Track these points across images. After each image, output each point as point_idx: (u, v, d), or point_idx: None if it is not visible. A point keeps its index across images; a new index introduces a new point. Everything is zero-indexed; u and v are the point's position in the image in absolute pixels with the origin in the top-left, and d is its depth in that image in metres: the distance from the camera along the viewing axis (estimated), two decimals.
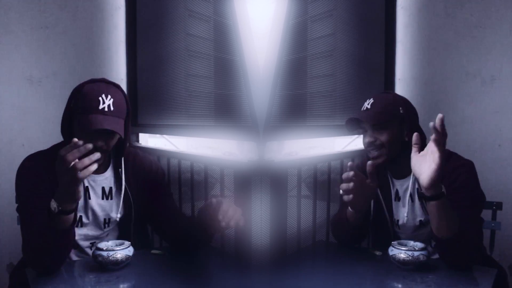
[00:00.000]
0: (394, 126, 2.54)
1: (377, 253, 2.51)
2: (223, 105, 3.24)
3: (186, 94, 3.52)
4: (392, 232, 2.64)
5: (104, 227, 2.53)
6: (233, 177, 2.95)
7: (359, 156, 3.48)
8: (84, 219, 2.48)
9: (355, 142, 3.91)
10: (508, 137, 3.47)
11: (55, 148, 2.44)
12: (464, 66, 3.65)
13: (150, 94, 3.85)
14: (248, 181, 2.76)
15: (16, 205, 2.38)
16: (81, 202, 2.44)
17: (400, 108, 2.56)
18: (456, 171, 2.43)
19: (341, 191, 2.36)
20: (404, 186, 2.62)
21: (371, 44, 3.88)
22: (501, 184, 3.32)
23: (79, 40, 3.76)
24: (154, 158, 2.80)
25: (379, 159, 2.55)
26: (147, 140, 4.04)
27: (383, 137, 2.53)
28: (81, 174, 1.95)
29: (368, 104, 2.58)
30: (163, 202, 2.63)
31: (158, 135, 3.79)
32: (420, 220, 2.56)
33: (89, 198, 2.48)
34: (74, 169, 1.94)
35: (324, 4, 3.37)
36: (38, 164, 2.38)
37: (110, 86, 2.37)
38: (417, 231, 2.57)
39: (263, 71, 2.94)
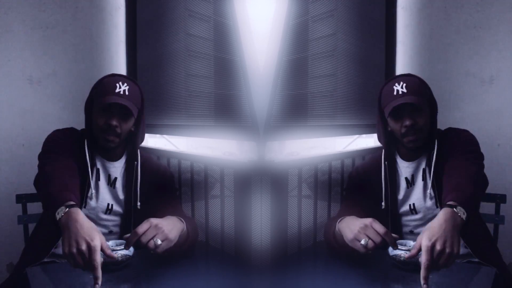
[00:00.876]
0: (427, 108, 2.55)
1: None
2: (223, 105, 3.24)
3: (186, 94, 3.52)
4: (390, 224, 2.63)
5: (106, 213, 2.63)
6: (233, 177, 2.95)
7: (360, 156, 3.48)
8: (89, 200, 2.58)
9: (356, 142, 3.90)
10: (507, 136, 3.47)
11: (83, 130, 2.68)
12: (463, 66, 3.66)
13: (150, 94, 3.84)
14: (248, 181, 2.76)
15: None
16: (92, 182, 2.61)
17: (427, 89, 2.59)
18: (457, 136, 2.58)
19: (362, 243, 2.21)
20: (416, 168, 2.65)
21: (371, 44, 3.87)
22: (500, 184, 3.32)
23: (79, 40, 3.76)
24: (163, 162, 2.88)
25: (417, 143, 2.56)
26: (147, 140, 4.04)
27: (421, 120, 2.52)
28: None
29: (400, 87, 2.52)
30: (168, 204, 2.65)
31: (158, 135, 3.78)
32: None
33: (99, 180, 2.64)
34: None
35: (325, 4, 3.37)
36: (66, 135, 2.60)
37: (128, 79, 2.61)
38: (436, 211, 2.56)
39: (263, 71, 2.93)
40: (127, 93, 2.53)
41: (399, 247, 2.24)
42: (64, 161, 2.42)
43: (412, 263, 2.20)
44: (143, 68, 3.94)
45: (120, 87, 2.52)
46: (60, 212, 2.07)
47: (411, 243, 2.30)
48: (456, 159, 2.43)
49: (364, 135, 3.81)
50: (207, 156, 3.24)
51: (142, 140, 2.73)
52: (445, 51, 3.75)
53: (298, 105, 3.23)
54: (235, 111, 3.08)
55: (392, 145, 2.71)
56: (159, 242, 2.20)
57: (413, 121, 2.50)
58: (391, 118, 2.57)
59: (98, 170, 2.64)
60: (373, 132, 3.87)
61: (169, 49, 3.61)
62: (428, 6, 3.81)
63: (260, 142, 2.78)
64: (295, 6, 3.03)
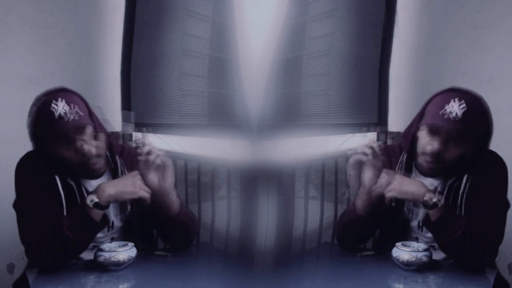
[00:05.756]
0: (469, 145, 2.29)
1: (369, 253, 2.52)
2: (217, 104, 3.24)
3: (179, 93, 3.51)
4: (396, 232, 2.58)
5: (108, 231, 2.49)
6: (239, 179, 2.96)
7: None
8: None
9: (349, 142, 3.90)
10: (507, 136, 3.47)
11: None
12: (462, 66, 3.65)
13: (144, 93, 3.83)
14: (255, 182, 2.76)
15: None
16: None
17: (485, 127, 2.34)
18: (488, 171, 2.38)
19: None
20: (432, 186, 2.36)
21: (369, 43, 3.87)
22: None
23: (78, 40, 3.69)
24: None
25: (431, 171, 2.37)
26: (152, 139, 4.03)
27: (451, 154, 2.27)
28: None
29: (459, 110, 2.20)
30: None
31: (152, 134, 3.77)
32: None
33: None
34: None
35: (325, 4, 3.37)
36: (38, 162, 2.38)
37: (57, 93, 2.38)
38: None
39: (258, 70, 2.93)
40: (68, 108, 2.28)
41: (403, 248, 2.25)
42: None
43: (415, 264, 2.22)
44: (137, 68, 3.92)
45: (56, 110, 2.27)
46: (90, 199, 2.21)
47: (414, 244, 2.32)
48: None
49: (358, 134, 3.81)
50: (214, 158, 3.23)
51: (108, 134, 2.49)
52: (444, 51, 3.74)
53: (292, 104, 3.24)
54: (229, 110, 3.08)
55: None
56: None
57: (443, 149, 2.26)
58: (426, 130, 2.30)
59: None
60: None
61: (164, 49, 3.59)
62: (428, 5, 3.80)
63: (254, 141, 2.79)
64: (294, 6, 3.03)
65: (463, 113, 2.20)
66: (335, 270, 2.43)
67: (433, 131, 2.26)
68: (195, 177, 3.21)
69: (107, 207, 2.24)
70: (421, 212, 2.45)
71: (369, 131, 3.79)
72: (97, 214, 2.21)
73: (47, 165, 2.35)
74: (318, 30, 3.35)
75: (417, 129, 2.35)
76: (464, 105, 2.21)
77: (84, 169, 2.36)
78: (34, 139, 2.35)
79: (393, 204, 2.31)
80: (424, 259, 2.21)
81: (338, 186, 3.33)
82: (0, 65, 3.50)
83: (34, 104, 2.39)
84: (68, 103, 2.29)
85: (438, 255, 2.39)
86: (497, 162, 2.44)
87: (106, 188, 2.22)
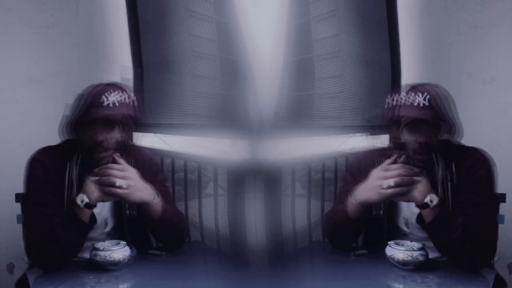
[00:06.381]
0: (444, 124, 2.40)
1: (362, 252, 2.51)
2: (219, 105, 3.25)
3: (192, 95, 3.52)
4: (386, 231, 2.54)
5: (105, 228, 2.52)
6: (226, 176, 2.95)
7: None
8: None
9: (348, 142, 3.90)
10: (508, 137, 3.47)
11: (66, 143, 2.49)
12: (464, 67, 3.64)
13: (155, 95, 3.83)
14: (242, 180, 2.76)
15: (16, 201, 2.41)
16: None
17: (452, 104, 2.44)
18: (474, 166, 2.42)
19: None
20: None
21: (376, 44, 3.86)
22: (500, 184, 3.33)
23: (81, 41, 3.70)
24: (149, 151, 2.81)
25: (424, 164, 2.38)
26: (140, 138, 4.03)
27: (435, 139, 2.39)
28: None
29: (423, 99, 2.34)
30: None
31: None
32: None
33: None
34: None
35: (327, 4, 3.36)
36: (49, 158, 2.41)
37: (115, 87, 2.40)
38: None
39: (268, 71, 2.94)
40: (116, 104, 2.34)
41: (397, 247, 2.24)
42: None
43: (411, 263, 2.21)
44: (148, 69, 3.91)
45: (107, 99, 2.33)
46: (80, 199, 2.20)
47: (408, 243, 2.30)
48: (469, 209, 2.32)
49: (358, 134, 3.81)
50: (201, 155, 3.24)
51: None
52: (445, 52, 3.73)
53: (307, 106, 3.24)
54: (231, 110, 3.08)
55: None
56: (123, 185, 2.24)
57: (428, 139, 2.35)
58: (406, 129, 2.37)
59: None
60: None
61: (171, 50, 3.60)
62: (429, 6, 3.79)
63: (253, 141, 2.79)
64: (297, 6, 3.03)
65: (429, 100, 2.34)
66: (333, 270, 2.42)
67: (413, 128, 2.35)
68: (208, 178, 3.21)
69: (95, 206, 2.24)
70: (406, 210, 2.49)
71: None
72: (86, 213, 2.23)
73: (60, 158, 2.41)
74: (325, 31, 3.35)
75: (399, 134, 2.41)
76: (426, 93, 2.35)
77: (90, 156, 2.39)
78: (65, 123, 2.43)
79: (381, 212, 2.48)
80: (420, 258, 2.19)
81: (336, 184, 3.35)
82: (0, 65, 3.50)
83: (84, 92, 2.44)
84: (119, 101, 2.35)
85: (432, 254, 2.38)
86: (482, 159, 2.48)
87: (95, 187, 2.22)
